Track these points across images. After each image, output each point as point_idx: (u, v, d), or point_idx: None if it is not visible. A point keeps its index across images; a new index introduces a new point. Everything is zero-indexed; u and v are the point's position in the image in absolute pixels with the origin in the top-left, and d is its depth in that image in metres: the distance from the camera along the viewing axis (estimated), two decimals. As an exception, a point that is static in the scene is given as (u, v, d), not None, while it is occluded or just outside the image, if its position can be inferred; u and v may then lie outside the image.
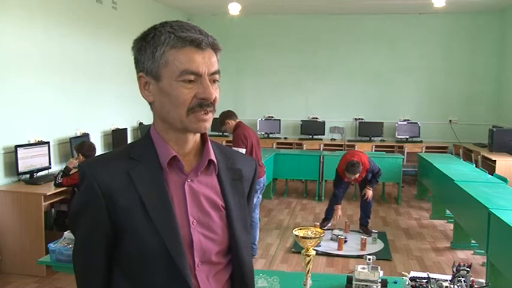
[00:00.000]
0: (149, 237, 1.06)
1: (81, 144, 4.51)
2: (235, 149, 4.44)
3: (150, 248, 1.06)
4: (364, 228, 5.48)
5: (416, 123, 8.37)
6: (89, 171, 1.09)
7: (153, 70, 1.08)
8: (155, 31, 1.08)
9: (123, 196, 1.07)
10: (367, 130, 8.47)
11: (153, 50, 1.07)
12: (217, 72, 1.10)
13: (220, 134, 7.55)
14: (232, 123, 4.58)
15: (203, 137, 1.18)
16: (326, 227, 5.51)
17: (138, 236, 1.06)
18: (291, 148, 8.31)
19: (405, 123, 8.42)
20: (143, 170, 1.09)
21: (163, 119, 1.11)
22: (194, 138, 1.15)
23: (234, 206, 1.17)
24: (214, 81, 1.10)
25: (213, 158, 1.16)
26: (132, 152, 1.13)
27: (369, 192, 5.42)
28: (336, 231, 5.13)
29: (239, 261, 1.17)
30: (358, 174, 5.19)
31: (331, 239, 5.06)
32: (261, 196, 4.79)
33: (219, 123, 4.67)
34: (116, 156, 1.17)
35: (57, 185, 4.22)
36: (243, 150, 4.41)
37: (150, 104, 1.13)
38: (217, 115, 4.61)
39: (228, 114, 4.61)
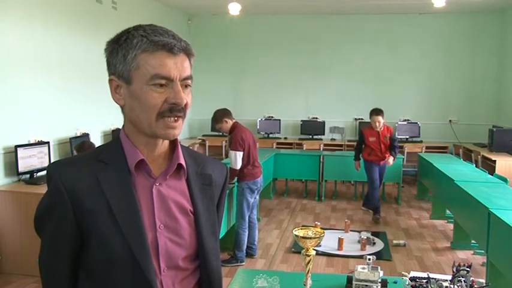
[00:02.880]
0: (114, 241, 1.04)
1: (81, 144, 4.51)
2: (232, 152, 4.45)
3: (115, 251, 1.05)
4: (367, 205, 6.19)
5: (416, 123, 8.38)
6: (56, 172, 1.08)
7: (124, 73, 1.07)
8: (128, 34, 1.07)
9: (89, 198, 1.06)
10: (367, 130, 8.46)
11: (124, 53, 1.06)
12: (190, 77, 1.09)
13: (220, 134, 7.53)
14: (229, 122, 4.53)
15: (173, 141, 1.17)
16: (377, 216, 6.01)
17: (103, 239, 1.05)
18: (291, 148, 8.31)
19: (405, 123, 8.42)
20: (111, 172, 1.08)
21: (133, 122, 1.11)
22: (163, 143, 1.14)
23: (202, 211, 1.16)
24: (186, 86, 1.09)
25: (182, 162, 1.15)
26: (100, 154, 1.12)
27: (391, 158, 5.98)
28: (364, 234, 5.06)
29: (206, 267, 1.16)
30: (382, 120, 5.85)
31: (358, 242, 5.00)
32: (258, 197, 4.77)
33: (214, 121, 4.60)
34: (84, 158, 1.16)
35: (57, 185, 4.22)
36: (240, 154, 4.39)
37: (121, 107, 1.13)
38: (211, 113, 4.63)
39: (225, 113, 4.53)
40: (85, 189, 1.06)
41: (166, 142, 1.15)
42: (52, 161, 4.79)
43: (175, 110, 1.06)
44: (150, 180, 1.11)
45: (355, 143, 8.11)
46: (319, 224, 5.26)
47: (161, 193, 1.11)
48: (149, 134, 1.09)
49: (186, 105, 1.08)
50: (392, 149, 6.00)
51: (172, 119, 1.06)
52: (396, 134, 8.27)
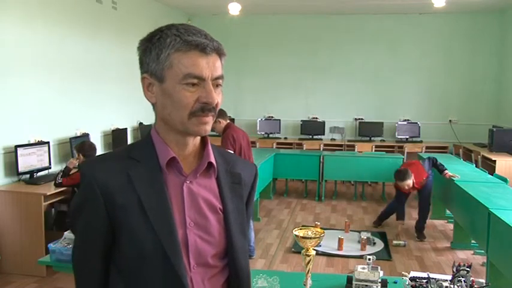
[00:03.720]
0: (145, 236, 1.06)
1: (81, 144, 4.51)
2: None
3: (146, 247, 1.06)
4: (418, 233, 5.37)
5: (416, 123, 8.37)
6: (89, 170, 1.11)
7: (157, 72, 1.08)
8: (161, 33, 1.08)
9: (121, 195, 1.07)
10: (367, 130, 8.47)
11: (158, 51, 1.07)
12: (221, 77, 1.11)
13: (217, 134, 7.50)
14: (223, 122, 4.54)
15: (203, 139, 1.19)
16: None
17: (134, 234, 1.07)
18: (291, 148, 8.31)
19: (405, 123, 8.42)
20: (142, 170, 1.10)
21: (164, 120, 1.12)
22: (194, 141, 1.16)
23: (232, 209, 1.17)
24: (217, 85, 1.10)
25: (213, 160, 1.16)
26: (132, 152, 1.14)
27: (447, 173, 5.13)
28: (364, 234, 5.04)
29: (235, 265, 1.17)
30: (408, 181, 5.15)
31: (358, 242, 5.00)
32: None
33: None
34: (116, 155, 1.18)
35: (57, 185, 4.22)
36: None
37: (153, 105, 1.14)
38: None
39: (220, 113, 4.53)
40: (117, 185, 1.08)
41: (197, 141, 1.17)
42: (52, 160, 4.82)
43: (207, 109, 1.08)
44: (180, 178, 1.13)
45: (355, 143, 8.19)
46: (319, 224, 5.26)
47: (191, 191, 1.13)
48: (181, 131, 1.11)
49: (217, 104, 1.09)
50: (440, 168, 5.29)
51: (203, 115, 1.08)
52: (396, 134, 8.30)
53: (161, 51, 1.07)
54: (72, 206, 1.16)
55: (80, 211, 1.13)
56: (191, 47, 1.06)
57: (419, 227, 5.42)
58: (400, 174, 5.23)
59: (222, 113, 4.54)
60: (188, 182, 1.13)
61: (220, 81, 1.11)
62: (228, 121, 4.61)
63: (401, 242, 5.09)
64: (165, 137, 1.13)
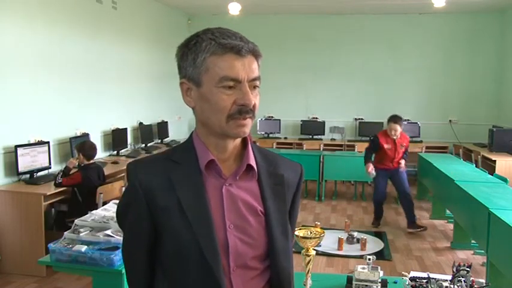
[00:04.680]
0: (184, 237, 1.09)
1: (82, 143, 4.51)
2: None
3: (185, 247, 1.09)
4: (412, 225, 5.51)
5: (416, 123, 8.37)
6: (134, 171, 1.15)
7: (194, 76, 1.10)
8: (197, 38, 1.10)
9: (162, 196, 1.11)
10: (367, 130, 8.45)
11: (194, 56, 1.09)
12: (258, 78, 1.11)
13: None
14: None
15: (244, 141, 1.20)
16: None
17: (174, 235, 1.10)
18: (291, 148, 8.31)
19: (405, 123, 8.38)
20: (183, 172, 1.13)
21: (203, 123, 1.14)
22: (234, 144, 1.17)
23: (273, 211, 1.17)
24: (254, 87, 1.11)
25: (253, 162, 1.17)
26: (173, 154, 1.17)
27: (403, 161, 5.62)
28: (355, 234, 5.04)
29: (276, 267, 1.17)
30: (399, 129, 5.46)
31: (348, 241, 4.99)
32: None
33: None
34: (159, 158, 1.20)
35: (57, 185, 4.22)
36: None
37: (192, 109, 1.16)
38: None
39: None
40: (158, 187, 1.11)
41: (238, 143, 1.18)
42: (52, 160, 4.82)
43: (244, 111, 1.09)
44: (220, 180, 1.14)
45: (355, 143, 8.18)
46: (319, 224, 5.26)
47: (231, 193, 1.14)
48: (220, 134, 1.12)
49: (254, 106, 1.10)
50: (404, 153, 5.67)
51: (241, 118, 1.09)
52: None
53: (197, 55, 1.09)
54: (119, 206, 1.22)
55: (126, 211, 1.17)
56: (226, 50, 1.07)
57: (410, 220, 5.54)
58: (396, 117, 5.49)
59: None
60: (228, 184, 1.14)
61: (257, 82, 1.12)
62: None
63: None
64: (205, 140, 1.15)
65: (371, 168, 5.57)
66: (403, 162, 5.63)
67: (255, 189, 1.17)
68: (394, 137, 5.51)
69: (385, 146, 5.53)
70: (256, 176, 1.18)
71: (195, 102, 1.13)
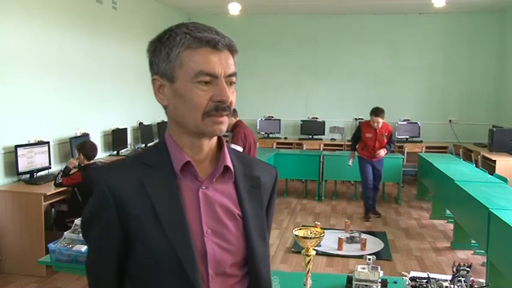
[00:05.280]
0: (160, 245, 1.02)
1: (82, 143, 4.51)
2: (233, 146, 4.46)
3: (161, 256, 1.03)
4: (373, 210, 6.09)
5: (416, 123, 8.38)
6: (101, 177, 1.07)
7: (168, 72, 1.05)
8: (171, 32, 1.05)
9: (134, 203, 1.04)
10: (367, 130, 8.46)
11: (168, 51, 1.04)
12: (234, 74, 1.07)
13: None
14: (232, 120, 4.55)
15: (219, 142, 1.14)
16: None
17: (148, 244, 1.03)
18: (291, 148, 8.31)
19: (405, 123, 8.42)
20: (156, 176, 1.06)
21: (177, 122, 1.08)
22: (210, 144, 1.11)
23: (251, 215, 1.12)
24: (230, 83, 1.06)
25: (230, 164, 1.12)
26: (145, 157, 1.10)
27: (382, 150, 5.93)
28: (355, 234, 5.07)
29: (256, 274, 1.11)
30: (381, 120, 5.81)
31: (348, 240, 5.02)
32: None
33: None
34: (129, 162, 1.14)
35: (57, 185, 4.22)
36: (240, 149, 4.41)
37: (165, 107, 1.10)
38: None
39: None
40: (130, 193, 1.04)
41: (213, 144, 1.13)
42: (52, 160, 4.82)
43: (221, 108, 1.04)
44: (196, 183, 1.08)
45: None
46: (319, 224, 5.25)
47: (208, 197, 1.08)
48: (195, 132, 1.07)
49: (231, 103, 1.05)
50: (387, 143, 5.99)
51: (218, 115, 1.04)
52: (396, 134, 8.30)
53: (171, 50, 1.04)
54: (85, 214, 1.12)
55: (93, 220, 1.09)
56: (202, 44, 1.03)
57: (371, 207, 6.08)
58: (378, 109, 5.87)
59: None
60: (204, 187, 1.08)
61: (233, 78, 1.07)
62: (238, 118, 4.62)
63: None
64: (178, 140, 1.09)
65: (351, 161, 6.21)
66: (383, 150, 5.94)
67: (231, 192, 1.12)
68: (376, 127, 5.89)
69: (367, 135, 5.98)
70: (233, 178, 1.12)
71: (168, 99, 1.07)
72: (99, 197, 1.06)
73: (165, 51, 1.04)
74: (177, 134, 1.10)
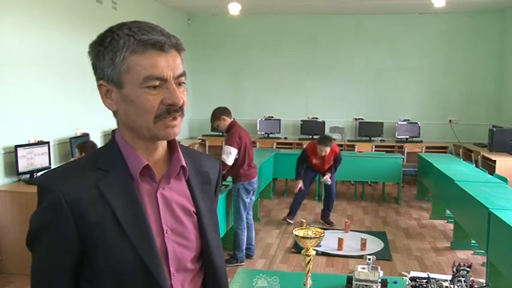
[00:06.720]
0: (124, 253, 1.00)
1: (83, 143, 4.50)
2: (228, 147, 4.45)
3: (126, 262, 1.00)
4: (325, 219, 5.88)
5: (416, 123, 8.38)
6: (53, 185, 1.00)
7: (114, 77, 1.01)
8: (112, 34, 1.01)
9: (93, 210, 0.99)
10: (367, 130, 8.47)
11: (112, 56, 1.00)
12: (183, 74, 1.04)
13: (221, 133, 7.51)
14: (227, 120, 4.50)
15: (171, 142, 1.13)
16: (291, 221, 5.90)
17: (112, 252, 1.00)
18: (291, 148, 8.30)
19: (405, 123, 8.42)
20: (113, 180, 1.03)
21: (129, 127, 1.06)
22: (163, 145, 1.11)
23: (204, 210, 1.14)
24: (180, 84, 1.04)
25: (185, 163, 1.12)
26: (97, 161, 1.05)
27: (327, 176, 5.80)
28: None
29: (212, 265, 1.15)
30: (329, 149, 5.60)
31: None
32: (253, 197, 4.74)
33: (212, 119, 4.56)
34: (81, 167, 1.07)
35: (57, 185, 4.21)
36: (235, 151, 4.39)
37: (114, 112, 1.07)
38: (210, 111, 4.61)
39: (224, 111, 4.51)
40: (88, 201, 0.99)
41: (165, 144, 1.12)
42: (52, 160, 4.81)
43: (173, 110, 1.02)
44: (153, 185, 1.07)
45: (355, 143, 8.18)
46: (305, 221, 5.26)
47: (165, 197, 1.09)
48: (149, 137, 1.04)
49: (183, 104, 1.03)
50: (334, 167, 5.85)
51: (171, 118, 1.02)
52: (396, 134, 8.31)
53: (115, 54, 1.00)
54: (34, 224, 1.03)
55: (43, 232, 1.01)
56: (147, 47, 0.98)
57: (326, 214, 5.91)
58: (326, 139, 5.64)
59: (226, 111, 4.52)
60: (161, 188, 1.08)
61: (183, 78, 1.04)
62: (233, 119, 4.58)
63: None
64: (132, 143, 1.07)
65: (298, 188, 5.85)
66: (327, 176, 5.80)
67: (185, 190, 1.13)
68: (323, 155, 5.71)
69: (314, 161, 5.79)
70: (186, 176, 1.13)
71: (117, 105, 1.03)
72: (52, 208, 0.99)
73: (109, 56, 1.01)
74: (130, 138, 1.07)
